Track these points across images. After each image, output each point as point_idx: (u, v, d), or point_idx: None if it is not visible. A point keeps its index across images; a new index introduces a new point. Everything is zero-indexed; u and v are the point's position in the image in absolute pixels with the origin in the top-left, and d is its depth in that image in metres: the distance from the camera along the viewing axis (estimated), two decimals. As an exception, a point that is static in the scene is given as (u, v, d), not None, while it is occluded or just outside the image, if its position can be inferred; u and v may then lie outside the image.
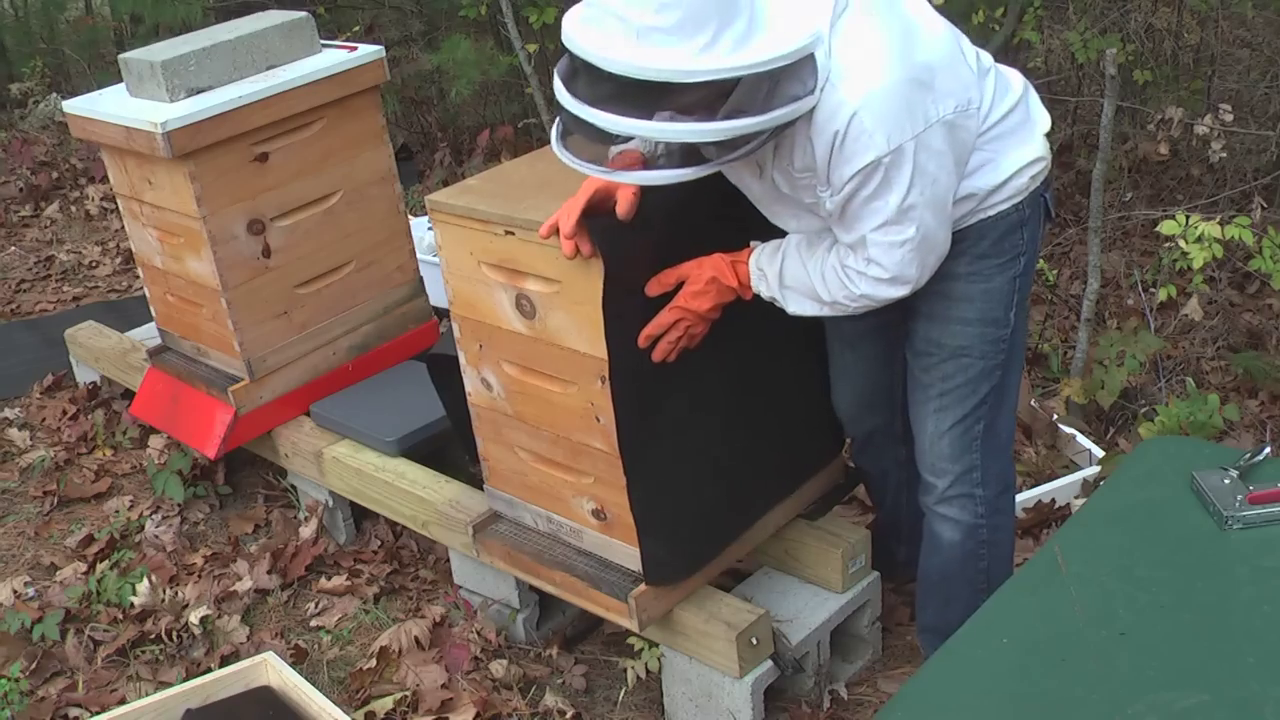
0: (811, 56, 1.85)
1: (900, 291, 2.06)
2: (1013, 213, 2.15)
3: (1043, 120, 2.20)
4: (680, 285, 2.18)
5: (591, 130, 1.81)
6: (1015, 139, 2.13)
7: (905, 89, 1.91)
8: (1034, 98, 2.21)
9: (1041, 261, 3.94)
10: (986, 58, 2.16)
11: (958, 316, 2.22)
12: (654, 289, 2.19)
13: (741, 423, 2.45)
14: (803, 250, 2.12)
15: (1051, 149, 2.25)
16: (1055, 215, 2.27)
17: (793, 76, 1.83)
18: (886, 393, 2.51)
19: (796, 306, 2.15)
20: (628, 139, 1.90)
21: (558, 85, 1.83)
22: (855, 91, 1.88)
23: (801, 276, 2.11)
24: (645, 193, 2.08)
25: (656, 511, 2.36)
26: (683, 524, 2.40)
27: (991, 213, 2.14)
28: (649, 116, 1.77)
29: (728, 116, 1.80)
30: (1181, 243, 3.04)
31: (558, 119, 1.92)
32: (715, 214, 2.25)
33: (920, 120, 1.93)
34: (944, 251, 2.08)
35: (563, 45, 1.80)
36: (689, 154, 1.89)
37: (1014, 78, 2.20)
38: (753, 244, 2.19)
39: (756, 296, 2.20)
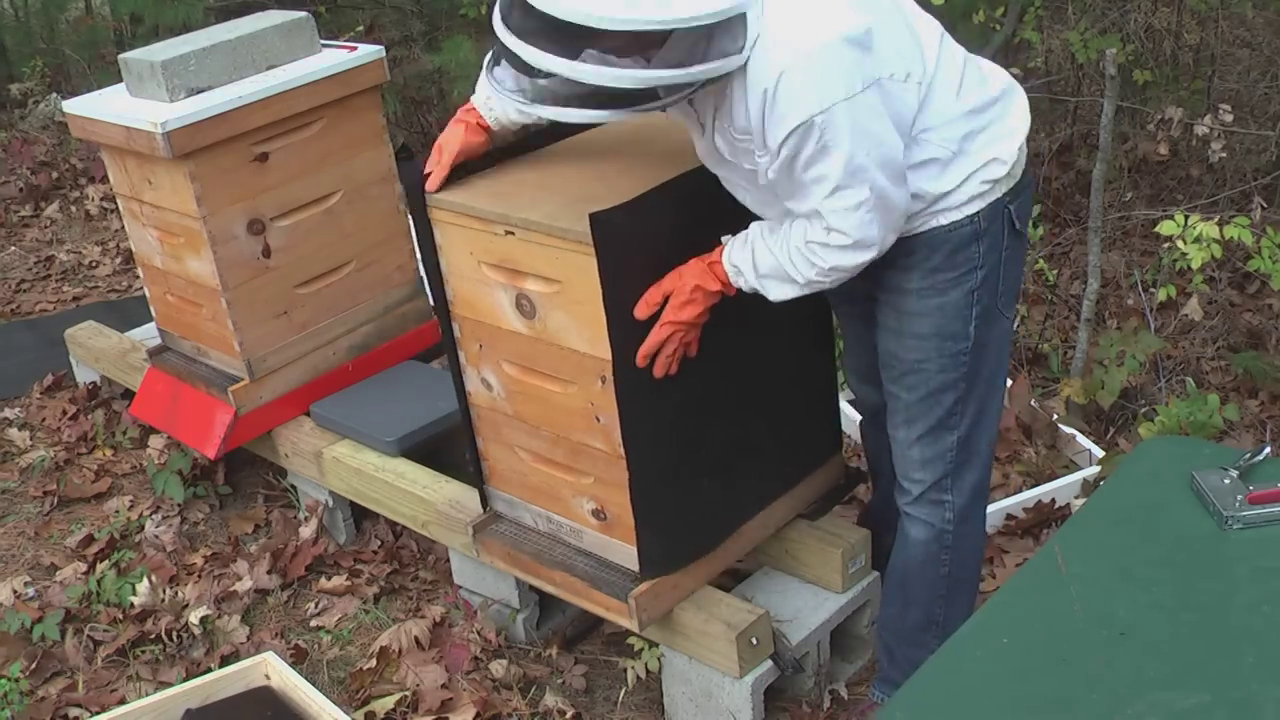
0: (743, 15, 1.85)
1: (867, 255, 2.02)
2: (966, 224, 2.11)
3: (1018, 129, 2.14)
4: (667, 300, 2.18)
5: (518, 62, 1.85)
6: (976, 141, 2.09)
7: (838, 49, 1.88)
8: (1016, 103, 2.16)
9: (1041, 261, 3.94)
10: (954, 47, 2.12)
11: (911, 331, 2.20)
12: (642, 311, 2.19)
13: (741, 418, 2.45)
14: (768, 236, 2.09)
15: (1050, 150, 2.23)
16: (1020, 229, 2.19)
17: (724, 33, 1.84)
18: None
19: (778, 293, 2.12)
20: (549, 75, 1.88)
21: (496, 13, 1.86)
22: (785, 50, 1.87)
23: (773, 262, 2.08)
24: (657, 196, 2.15)
25: (657, 505, 2.36)
26: (680, 518, 2.41)
27: (944, 221, 2.10)
28: (574, 57, 1.81)
29: (655, 66, 1.83)
30: (1180, 243, 3.04)
31: (492, 50, 1.96)
32: (715, 208, 2.25)
33: (857, 81, 1.89)
34: (905, 209, 2.02)
35: None
36: (616, 97, 1.88)
37: (996, 77, 2.16)
38: (723, 239, 2.17)
39: (755, 301, 2.18)
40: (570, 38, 1.79)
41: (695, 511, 2.44)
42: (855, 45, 1.90)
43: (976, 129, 2.09)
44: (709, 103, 2.00)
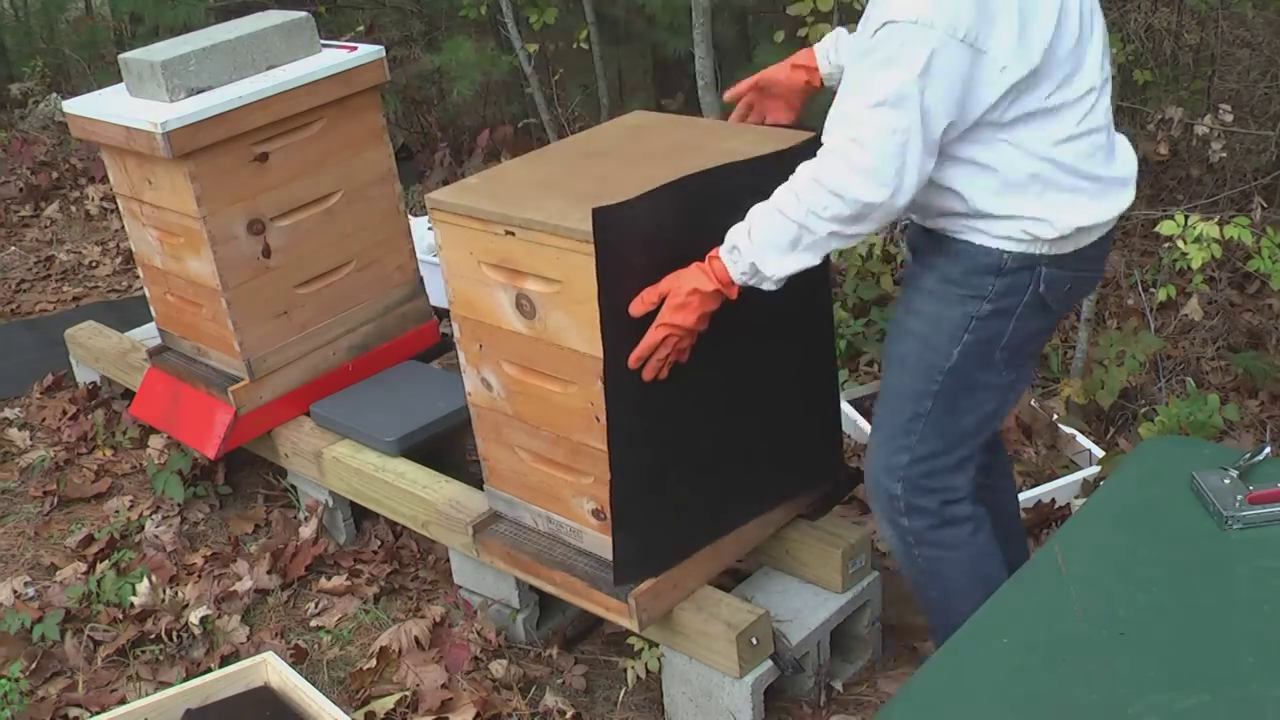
0: None
1: (871, 190, 1.94)
2: (993, 254, 2.09)
3: (1093, 216, 2.10)
4: (663, 301, 2.15)
5: None
6: (1043, 189, 2.05)
7: None
8: (1111, 198, 2.14)
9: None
10: (1099, 104, 2.08)
11: (907, 327, 2.22)
12: (637, 309, 2.15)
13: (736, 423, 2.45)
14: (768, 200, 2.05)
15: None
16: (1046, 299, 2.13)
17: None
18: None
19: (777, 264, 2.03)
20: None
21: None
22: None
23: (768, 215, 2.02)
24: (656, 198, 2.14)
25: (636, 510, 2.36)
26: (658, 525, 2.40)
27: (976, 240, 2.09)
28: None
29: None
30: (1180, 243, 3.04)
31: None
32: (717, 212, 2.25)
33: (957, 24, 1.89)
34: (922, 178, 1.97)
35: None
36: None
37: (1118, 162, 2.14)
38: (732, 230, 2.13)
39: (748, 299, 2.15)
40: None
41: (679, 517, 2.43)
42: (980, 6, 1.90)
43: (1050, 180, 2.05)
44: None
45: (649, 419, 2.30)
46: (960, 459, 2.27)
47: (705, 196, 2.24)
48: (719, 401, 2.39)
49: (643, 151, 2.48)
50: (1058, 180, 2.06)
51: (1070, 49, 2.02)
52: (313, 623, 3.01)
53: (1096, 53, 2.07)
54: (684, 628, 2.46)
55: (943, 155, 2.02)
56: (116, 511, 3.47)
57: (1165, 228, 3.08)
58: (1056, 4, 1.99)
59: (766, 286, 2.08)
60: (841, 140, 1.96)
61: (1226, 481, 1.83)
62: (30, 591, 3.17)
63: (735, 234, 2.07)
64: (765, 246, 2.03)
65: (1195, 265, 3.01)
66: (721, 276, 2.09)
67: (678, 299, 2.11)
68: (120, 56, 3.15)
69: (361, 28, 5.93)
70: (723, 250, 2.09)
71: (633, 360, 2.18)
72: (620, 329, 2.19)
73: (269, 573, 3.14)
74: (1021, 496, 3.08)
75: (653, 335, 2.15)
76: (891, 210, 1.98)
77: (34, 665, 2.88)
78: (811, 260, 2.04)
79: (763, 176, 2.20)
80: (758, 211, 2.05)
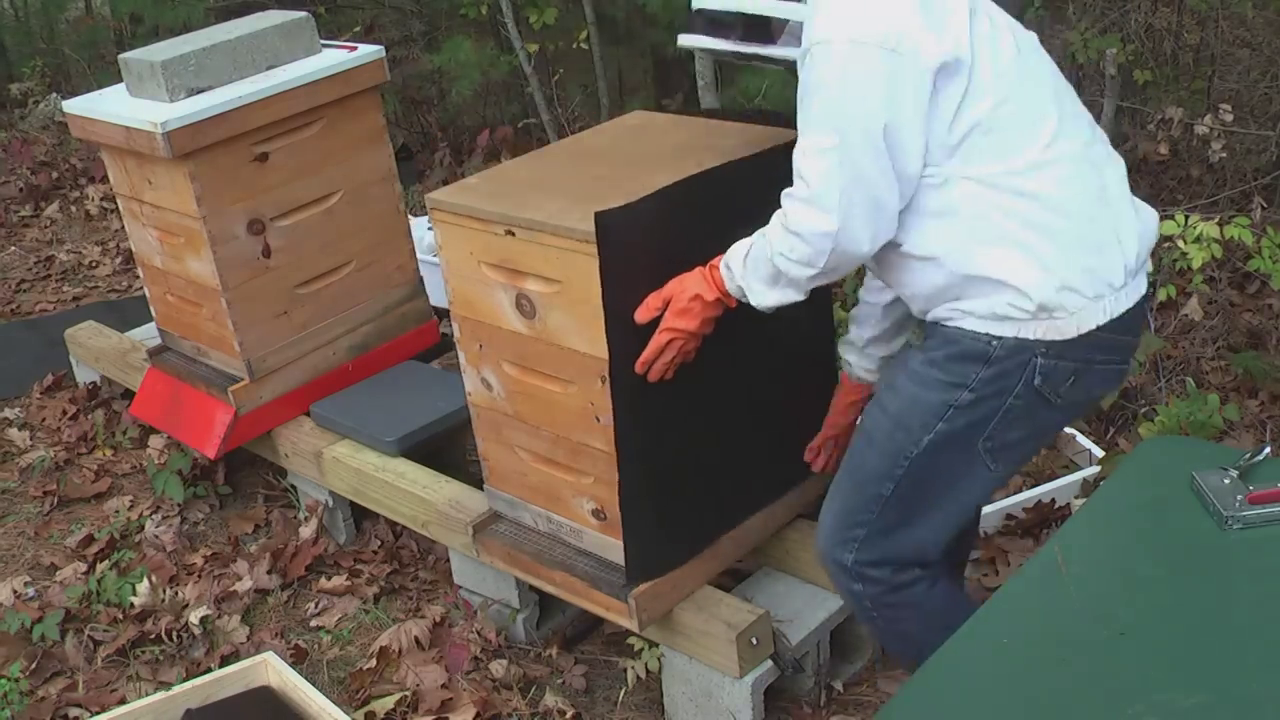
0: None
1: (822, 220, 1.90)
2: (980, 340, 1.98)
3: (1093, 282, 1.95)
4: (667, 306, 2.16)
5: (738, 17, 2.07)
6: (1012, 220, 1.94)
7: (887, 12, 1.88)
8: (1139, 253, 2.01)
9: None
10: (1074, 110, 2.03)
11: (882, 403, 2.15)
12: (642, 315, 2.17)
13: (739, 423, 2.45)
14: (763, 230, 2.05)
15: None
16: (1046, 395, 2.00)
17: None
18: None
19: (761, 295, 2.05)
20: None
21: None
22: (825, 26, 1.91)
23: (757, 252, 2.03)
24: (659, 198, 2.16)
25: (644, 508, 2.36)
26: (666, 522, 2.40)
27: (965, 325, 1.99)
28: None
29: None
30: (1180, 243, 3.04)
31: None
32: (719, 214, 2.25)
33: (864, 34, 1.86)
34: (887, 206, 1.91)
35: None
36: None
37: (1143, 216, 2.05)
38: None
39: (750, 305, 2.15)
40: None
41: (686, 516, 2.44)
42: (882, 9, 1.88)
43: (1026, 218, 1.93)
44: None
45: (655, 419, 2.31)
46: (920, 543, 2.17)
47: (707, 196, 2.24)
48: (723, 399, 2.40)
49: (643, 151, 2.48)
50: (1033, 218, 1.93)
51: (1009, 62, 1.95)
52: (313, 623, 3.01)
53: (1046, 84, 2.01)
54: (684, 628, 2.46)
55: (905, 213, 1.96)
56: (116, 511, 3.47)
57: (1166, 227, 3.08)
58: (965, 6, 1.94)
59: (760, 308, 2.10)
60: (795, 185, 1.96)
61: (1226, 481, 1.83)
62: (30, 591, 3.17)
63: (735, 252, 2.09)
64: (752, 278, 2.06)
65: (1195, 265, 3.01)
66: (720, 287, 2.12)
67: (681, 304, 2.14)
68: (120, 56, 3.15)
69: (359, 28, 5.93)
70: (722, 263, 2.11)
71: (639, 365, 2.20)
72: (625, 331, 2.19)
73: (269, 573, 3.14)
74: (1021, 496, 3.09)
75: (658, 339, 2.17)
76: (850, 244, 1.92)
77: (34, 665, 2.88)
78: (795, 296, 2.04)
79: (764, 173, 2.20)
80: (753, 241, 2.06)
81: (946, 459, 2.08)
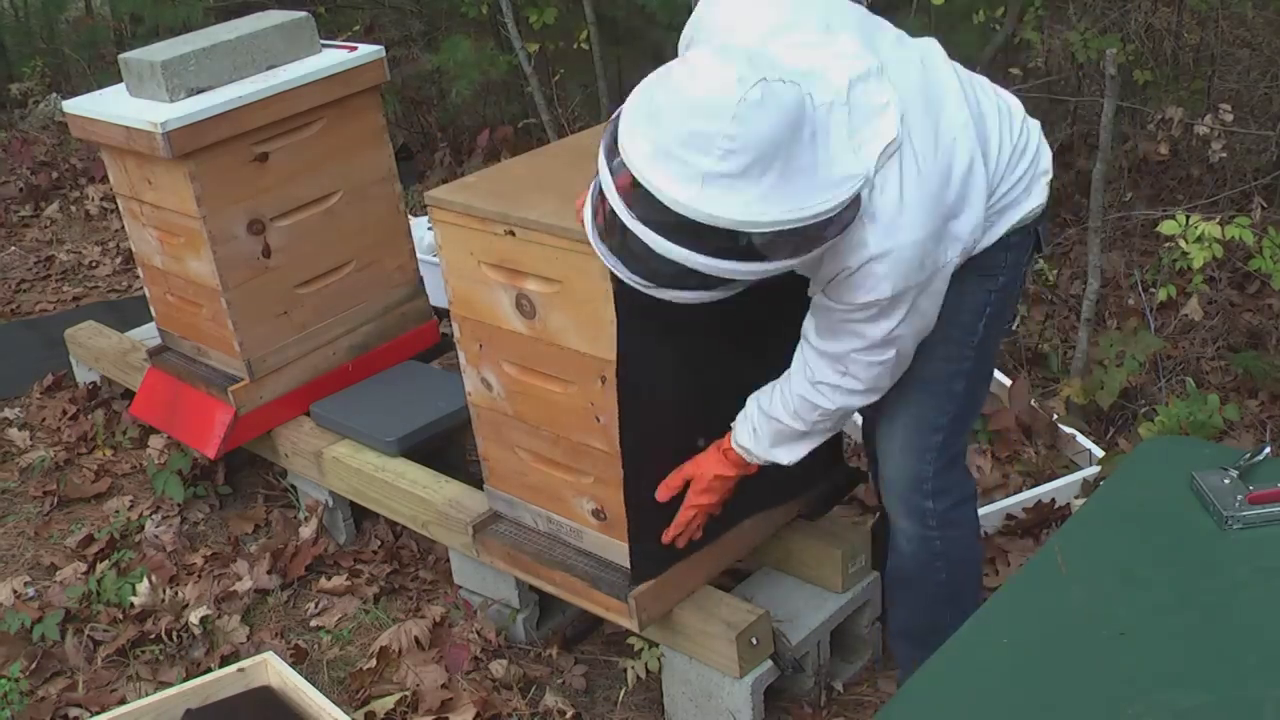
0: (858, 197, 1.82)
1: (871, 399, 2.12)
2: (998, 240, 2.12)
3: (1046, 168, 2.15)
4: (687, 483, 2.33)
5: (645, 249, 1.79)
6: (1019, 203, 2.10)
7: (925, 245, 1.90)
8: (1044, 146, 2.16)
9: (1042, 261, 3.93)
10: (1018, 125, 2.10)
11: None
12: (663, 495, 2.34)
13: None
14: (765, 405, 2.18)
15: (1052, 149, 2.22)
16: (1045, 247, 2.23)
17: (838, 219, 1.81)
18: None
19: (788, 456, 2.21)
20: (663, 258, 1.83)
21: (613, 193, 1.78)
22: (879, 239, 1.86)
23: (776, 427, 2.17)
24: None
25: (649, 507, 2.36)
26: (669, 521, 2.40)
27: (977, 249, 2.10)
28: (701, 251, 1.75)
29: (772, 258, 1.80)
30: (1181, 243, 3.04)
31: (598, 210, 1.88)
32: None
33: (929, 269, 1.93)
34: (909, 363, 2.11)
35: (618, 154, 1.77)
36: (713, 279, 1.84)
37: (1034, 129, 2.15)
38: (733, 424, 2.25)
39: (750, 303, 2.13)
40: (702, 233, 1.73)
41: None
42: (937, 238, 1.93)
43: (1021, 192, 2.10)
44: None
45: (659, 420, 2.31)
46: (971, 423, 2.35)
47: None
48: (723, 399, 2.39)
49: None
50: (1026, 184, 2.11)
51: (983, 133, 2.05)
52: (313, 623, 3.01)
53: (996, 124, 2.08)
54: (684, 628, 2.46)
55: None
56: (116, 511, 3.47)
57: (1166, 227, 3.08)
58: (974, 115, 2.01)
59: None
60: (832, 376, 2.06)
61: (1226, 481, 1.83)
62: (30, 591, 3.17)
63: (743, 436, 2.23)
64: (775, 448, 2.21)
65: (1196, 265, 3.01)
66: (739, 464, 2.28)
67: (703, 484, 2.32)
68: (120, 56, 3.15)
69: (359, 28, 5.93)
70: (735, 446, 2.25)
71: (666, 538, 2.38)
72: (634, 332, 2.19)
73: (269, 573, 3.14)
74: (1021, 496, 3.09)
75: (684, 516, 2.36)
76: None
77: (34, 665, 2.88)
78: (821, 440, 2.21)
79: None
80: (761, 419, 2.19)
81: (990, 334, 2.21)
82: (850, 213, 1.82)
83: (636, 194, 1.75)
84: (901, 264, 1.89)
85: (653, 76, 1.79)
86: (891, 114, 1.86)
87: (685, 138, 1.69)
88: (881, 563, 2.60)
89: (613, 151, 1.79)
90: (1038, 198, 2.13)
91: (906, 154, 1.88)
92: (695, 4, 2.12)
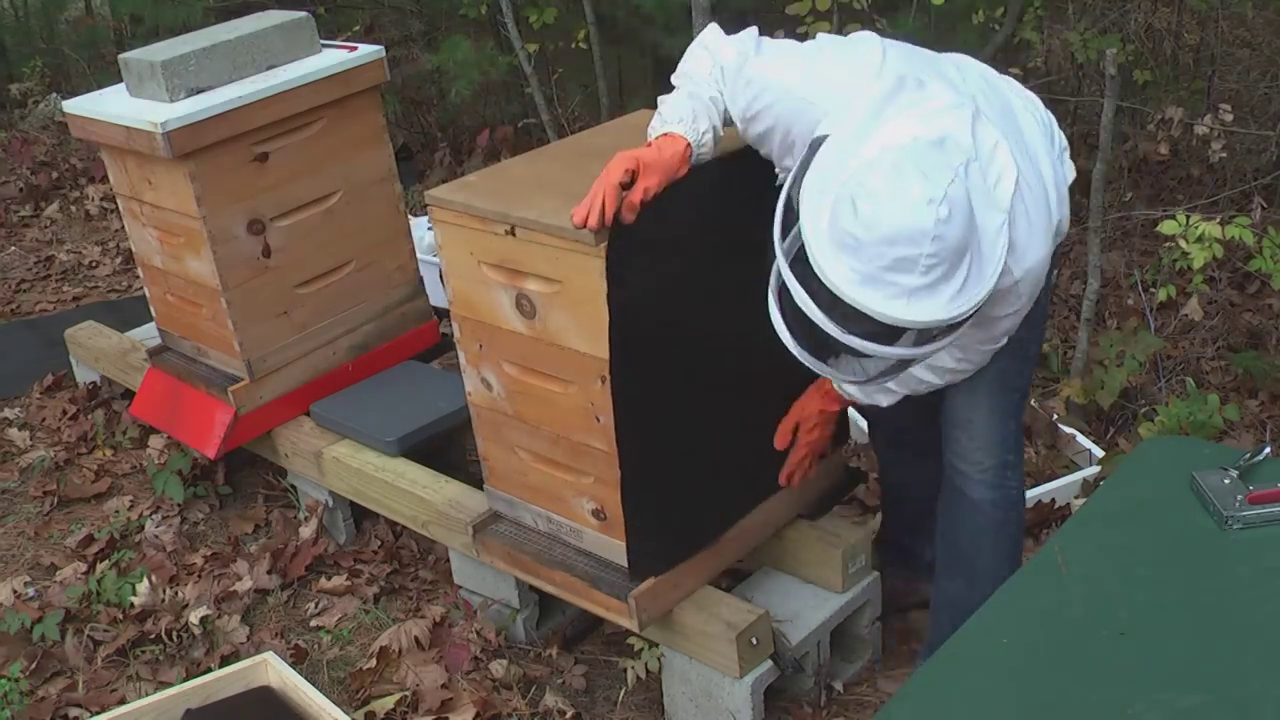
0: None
1: (972, 371, 2.25)
2: None
3: (1065, 142, 2.29)
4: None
5: (856, 354, 1.91)
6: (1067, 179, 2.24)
7: (1047, 253, 2.07)
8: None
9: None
10: (1043, 110, 2.24)
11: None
12: (782, 442, 2.51)
13: (740, 421, 2.45)
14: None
15: None
16: None
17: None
18: None
19: (889, 399, 2.31)
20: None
21: (814, 312, 1.87)
22: (1020, 264, 2.00)
23: (882, 386, 2.24)
24: (661, 196, 2.15)
25: (647, 506, 2.36)
26: (670, 519, 2.41)
27: None
28: (910, 344, 1.88)
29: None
30: (1182, 242, 3.04)
31: (804, 337, 1.96)
32: (721, 209, 2.25)
33: (1047, 269, 2.11)
34: None
35: (807, 266, 1.85)
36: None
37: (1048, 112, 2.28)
38: None
39: (751, 298, 2.18)
40: (915, 334, 1.86)
41: (688, 512, 2.44)
42: (1055, 240, 2.11)
43: (1068, 168, 2.25)
44: None
45: (656, 417, 2.31)
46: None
47: (708, 192, 2.24)
48: (723, 398, 2.40)
49: (643, 151, 2.47)
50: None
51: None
52: (313, 623, 3.01)
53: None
54: (684, 628, 2.46)
55: None
56: (116, 511, 3.47)
57: (1166, 227, 3.08)
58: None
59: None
60: (949, 361, 2.19)
61: (1226, 481, 1.83)
62: (30, 591, 3.17)
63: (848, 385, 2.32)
64: (879, 396, 2.31)
65: (1197, 265, 3.01)
66: (840, 399, 2.42)
67: (811, 422, 2.48)
68: (120, 56, 3.15)
69: (359, 28, 5.93)
70: (838, 387, 2.38)
71: (782, 479, 2.55)
72: (628, 330, 2.19)
73: (269, 573, 3.14)
74: (1021, 496, 3.09)
75: (796, 456, 2.53)
76: None
77: (34, 665, 2.88)
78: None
79: (762, 167, 2.20)
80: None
81: (1039, 338, 2.41)
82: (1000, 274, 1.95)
83: (840, 309, 1.84)
84: (1036, 277, 2.06)
85: (831, 200, 1.84)
86: (1004, 151, 1.97)
87: (890, 265, 1.79)
88: (899, 564, 2.67)
89: (797, 258, 1.88)
90: (1070, 171, 2.27)
91: (1020, 182, 1.97)
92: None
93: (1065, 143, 2.27)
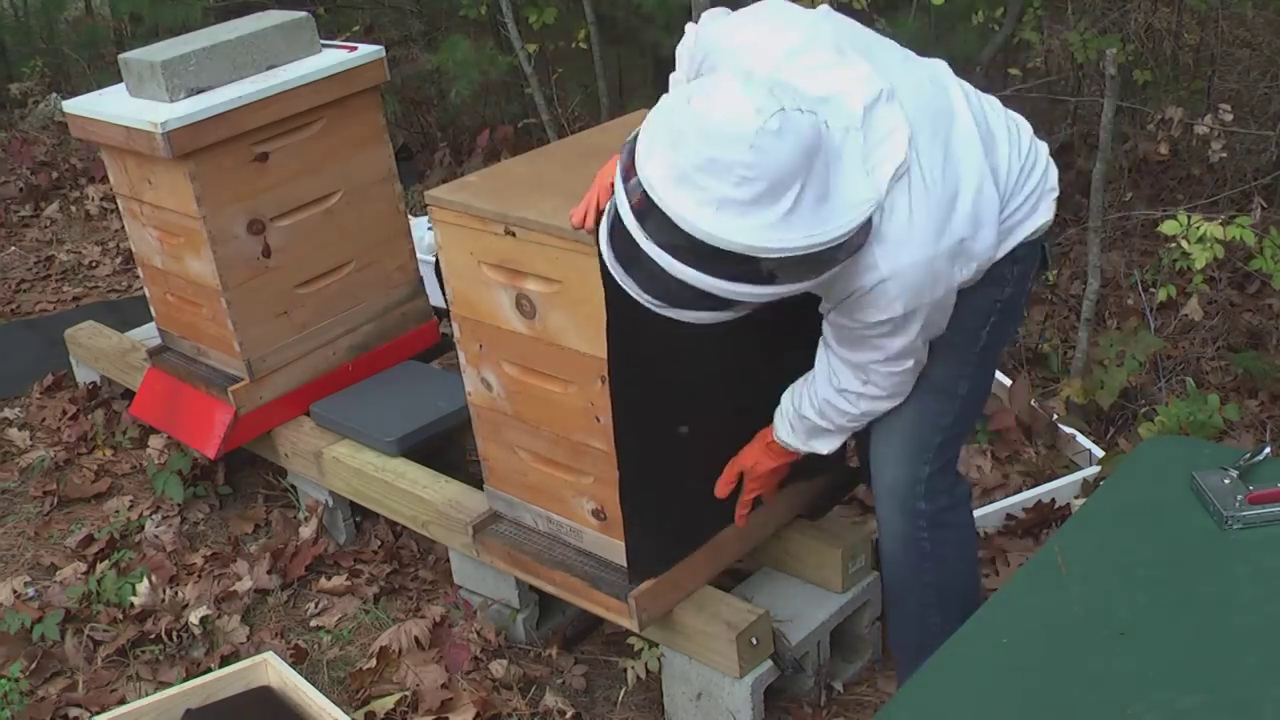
0: (869, 221, 1.86)
1: (895, 404, 2.19)
2: (1006, 254, 2.14)
3: (1053, 185, 2.17)
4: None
5: (658, 270, 1.82)
6: (1027, 219, 2.13)
7: (936, 264, 1.94)
8: (1051, 165, 2.19)
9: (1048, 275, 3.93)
10: (1027, 143, 2.13)
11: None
12: (722, 490, 2.44)
13: (738, 421, 2.45)
14: (796, 405, 2.25)
15: (1052, 149, 2.23)
16: (1049, 265, 2.33)
17: (849, 244, 1.85)
18: None
19: (826, 446, 2.28)
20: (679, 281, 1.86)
21: (628, 215, 1.82)
22: (890, 260, 1.90)
23: (809, 424, 2.25)
24: None
25: (647, 506, 2.37)
26: (670, 519, 2.41)
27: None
28: (714, 274, 1.78)
29: (782, 281, 1.82)
30: (1184, 242, 3.03)
31: (614, 230, 1.90)
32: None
33: (941, 287, 1.98)
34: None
35: (635, 175, 1.80)
36: (723, 301, 1.86)
37: (1042, 149, 2.18)
38: (774, 419, 2.33)
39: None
40: (716, 257, 1.76)
41: (688, 512, 2.44)
42: (949, 257, 1.96)
43: (1029, 209, 2.13)
44: None
45: (655, 418, 2.31)
46: (970, 426, 2.41)
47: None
48: (724, 395, 2.40)
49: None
50: (1035, 201, 2.15)
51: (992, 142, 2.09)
52: (313, 623, 3.01)
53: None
54: (684, 628, 2.46)
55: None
56: (116, 511, 3.47)
57: (1167, 227, 3.08)
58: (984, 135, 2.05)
59: None
60: (854, 384, 2.14)
61: (1226, 481, 1.83)
62: (30, 591, 3.17)
63: (782, 431, 2.32)
64: (813, 440, 2.28)
65: (1199, 265, 3.01)
66: (782, 454, 2.37)
67: (755, 476, 2.43)
68: (120, 56, 3.15)
69: (359, 28, 5.93)
70: (778, 441, 2.34)
71: (739, 522, 2.50)
72: (624, 330, 2.19)
73: (269, 573, 3.14)
74: (1021, 496, 3.09)
75: (745, 502, 2.48)
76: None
77: (34, 665, 2.88)
78: (855, 430, 2.28)
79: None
80: (794, 416, 2.27)
81: (994, 356, 2.30)
82: (861, 236, 1.85)
83: (652, 216, 1.78)
84: (913, 284, 1.93)
85: (671, 100, 1.82)
86: (901, 136, 1.89)
87: (703, 163, 1.72)
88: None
89: (630, 172, 1.82)
90: (1045, 214, 2.15)
91: (915, 175, 1.91)
92: (695, 14, 2.13)
93: (1052, 186, 2.16)
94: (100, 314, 4.34)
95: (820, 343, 2.15)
